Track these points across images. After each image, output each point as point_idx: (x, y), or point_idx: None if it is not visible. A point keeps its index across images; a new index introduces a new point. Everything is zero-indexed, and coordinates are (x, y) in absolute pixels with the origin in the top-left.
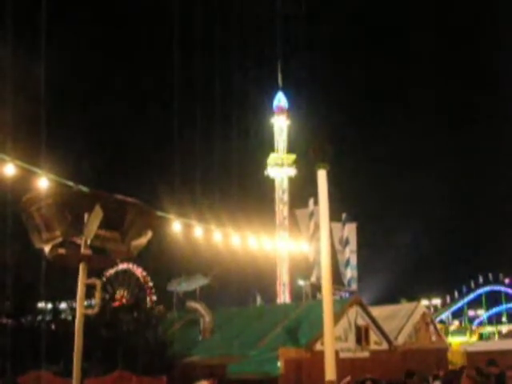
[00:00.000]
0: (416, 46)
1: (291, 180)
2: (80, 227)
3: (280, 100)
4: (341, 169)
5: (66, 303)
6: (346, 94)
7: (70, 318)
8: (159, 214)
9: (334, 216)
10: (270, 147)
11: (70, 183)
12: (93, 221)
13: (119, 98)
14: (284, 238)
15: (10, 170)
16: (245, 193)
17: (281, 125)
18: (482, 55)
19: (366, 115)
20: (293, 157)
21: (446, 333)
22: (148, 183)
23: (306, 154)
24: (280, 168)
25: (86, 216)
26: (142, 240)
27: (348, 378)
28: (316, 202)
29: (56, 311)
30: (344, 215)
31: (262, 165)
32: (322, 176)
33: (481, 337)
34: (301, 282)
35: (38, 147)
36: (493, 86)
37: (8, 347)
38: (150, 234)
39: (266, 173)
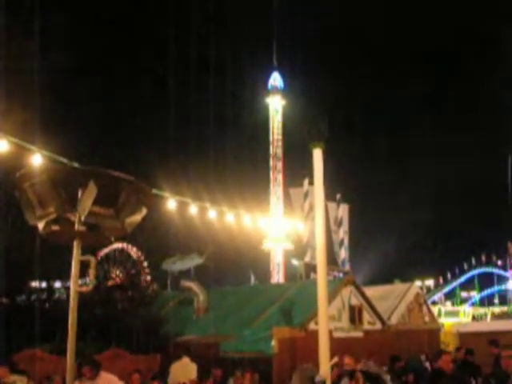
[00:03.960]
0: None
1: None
2: (74, 204)
3: (275, 80)
4: (335, 149)
5: (60, 282)
6: (344, 76)
7: (64, 297)
8: (154, 191)
9: (328, 197)
10: (265, 128)
11: (64, 159)
12: (87, 197)
13: (113, 72)
14: (278, 218)
15: (3, 146)
16: (240, 171)
17: (276, 105)
18: None
19: (365, 96)
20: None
21: (439, 314)
22: (142, 161)
23: (300, 132)
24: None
25: (80, 192)
26: (137, 217)
27: (335, 359)
28: (311, 182)
29: (50, 290)
30: (338, 196)
31: (258, 145)
32: (317, 155)
33: (473, 318)
34: (295, 262)
35: (32, 123)
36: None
37: (2, 326)
38: (144, 212)
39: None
